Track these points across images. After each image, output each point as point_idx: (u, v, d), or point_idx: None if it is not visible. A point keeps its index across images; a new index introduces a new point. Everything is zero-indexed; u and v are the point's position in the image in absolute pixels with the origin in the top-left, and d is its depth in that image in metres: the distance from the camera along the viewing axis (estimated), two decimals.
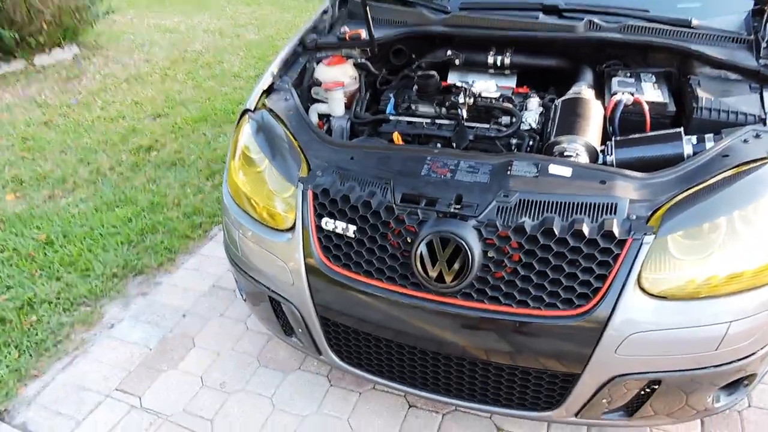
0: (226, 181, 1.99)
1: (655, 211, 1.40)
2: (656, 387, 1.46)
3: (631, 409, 1.55)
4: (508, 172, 1.52)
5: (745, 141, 1.51)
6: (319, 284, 1.65)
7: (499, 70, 2.19)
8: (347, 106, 2.14)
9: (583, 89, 1.83)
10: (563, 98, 1.79)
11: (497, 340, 1.49)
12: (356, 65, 2.24)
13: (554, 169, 1.51)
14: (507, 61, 2.15)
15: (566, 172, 1.51)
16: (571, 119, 1.70)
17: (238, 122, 2.01)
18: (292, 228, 1.69)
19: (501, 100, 1.93)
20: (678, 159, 1.59)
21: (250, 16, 7.42)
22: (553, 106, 1.81)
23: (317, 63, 2.26)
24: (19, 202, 3.27)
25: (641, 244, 1.35)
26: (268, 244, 1.74)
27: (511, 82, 2.18)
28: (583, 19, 2.03)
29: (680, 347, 1.39)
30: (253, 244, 1.78)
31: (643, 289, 1.37)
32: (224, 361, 2.21)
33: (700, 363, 1.41)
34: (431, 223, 1.47)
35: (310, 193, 1.64)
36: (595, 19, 2.02)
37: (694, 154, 1.58)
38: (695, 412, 1.57)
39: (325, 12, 2.48)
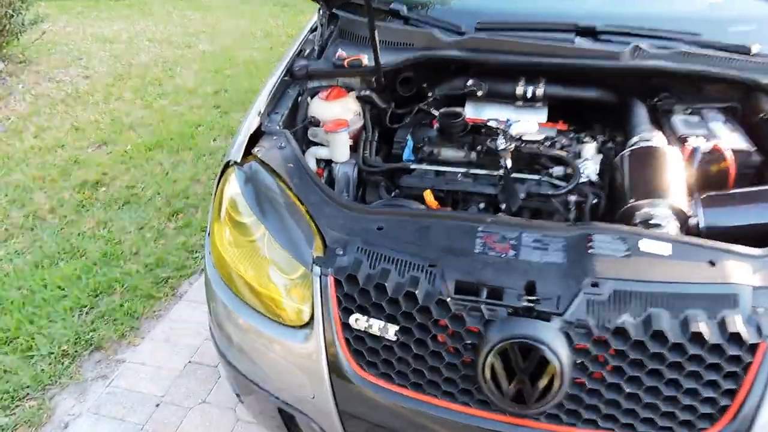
0: (208, 250, 1.58)
1: None
2: None
3: None
4: (590, 250, 1.19)
5: None
6: (349, 398, 1.28)
7: (529, 103, 1.87)
8: (352, 149, 1.77)
9: (654, 134, 1.52)
10: (632, 147, 1.48)
11: None
12: (360, 98, 1.86)
13: (648, 245, 1.20)
14: (539, 92, 1.82)
15: (664, 249, 1.19)
16: (649, 176, 1.38)
17: (220, 177, 1.60)
18: (308, 324, 1.31)
19: (550, 144, 1.60)
20: None
21: (200, 23, 6.86)
22: (620, 158, 1.49)
23: (312, 97, 1.87)
24: None
25: None
26: (276, 345, 1.35)
27: (542, 116, 1.87)
28: (628, 43, 1.73)
29: None
30: (254, 342, 1.38)
31: None
32: None
33: None
34: (502, 324, 1.13)
35: (331, 280, 1.27)
36: (642, 45, 1.72)
37: None
38: None
39: (313, 30, 2.09)
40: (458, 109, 1.70)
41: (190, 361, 2.16)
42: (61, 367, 2.14)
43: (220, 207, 1.56)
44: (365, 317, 1.23)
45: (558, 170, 1.55)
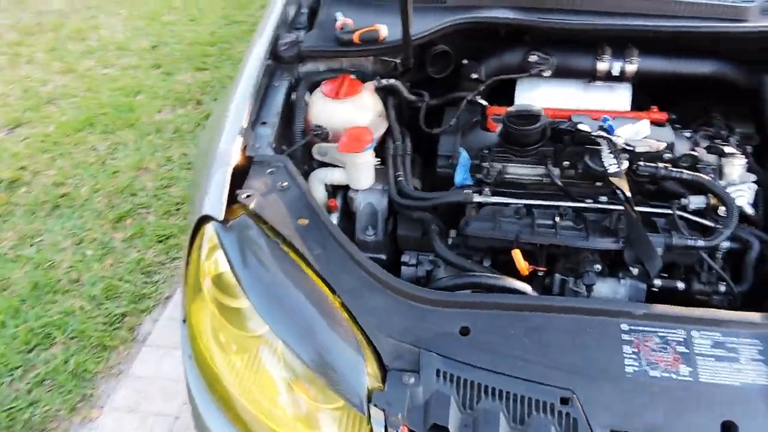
0: (187, 343, 1.05)
1: None
2: None
3: None
4: None
5: None
6: None
7: (611, 81, 1.35)
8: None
9: None
10: None
11: None
12: (380, 90, 1.30)
13: None
14: (631, 68, 1.30)
15: None
16: None
17: (192, 238, 1.04)
18: None
19: (680, 160, 1.10)
20: None
21: None
22: None
23: (311, 91, 1.30)
24: None
25: None
26: None
27: (625, 99, 1.36)
28: None
29: None
30: None
31: None
32: None
33: None
34: None
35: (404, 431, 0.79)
36: None
37: None
38: None
39: None
40: (534, 108, 1.17)
41: None
42: None
43: (197, 284, 1.02)
44: None
45: (696, 201, 1.07)
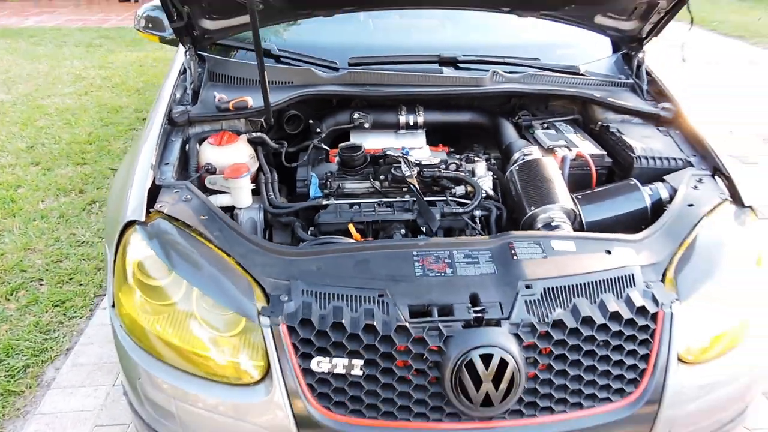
0: (119, 324, 1.41)
1: (663, 274, 1.37)
2: None
3: None
4: (515, 257, 1.34)
5: (695, 187, 1.59)
6: None
7: (410, 130, 2.01)
8: (253, 192, 1.72)
9: (532, 148, 1.75)
10: (521, 161, 1.68)
11: None
12: (251, 141, 1.83)
13: (559, 245, 1.39)
14: (420, 120, 1.98)
15: (571, 246, 1.39)
16: (539, 185, 1.59)
17: (119, 241, 1.44)
18: (262, 379, 1.26)
19: (445, 166, 1.74)
20: (642, 213, 1.60)
21: None
22: (510, 173, 1.68)
23: (200, 143, 1.79)
24: None
25: (671, 314, 1.29)
26: (232, 410, 1.27)
27: (421, 141, 2.02)
28: (487, 71, 1.97)
29: (720, 407, 1.38)
30: (206, 412, 1.28)
31: (681, 359, 1.31)
32: None
33: (736, 416, 1.42)
34: (460, 338, 1.21)
35: (283, 329, 1.24)
36: (499, 71, 1.97)
37: (652, 204, 1.61)
38: None
39: (182, 74, 1.99)
40: (357, 143, 1.77)
41: None
42: None
43: (124, 273, 1.41)
44: (327, 358, 1.23)
45: (459, 189, 1.70)
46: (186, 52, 1.97)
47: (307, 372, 1.23)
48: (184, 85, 1.96)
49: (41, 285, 2.69)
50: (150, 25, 2.69)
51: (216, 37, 2.02)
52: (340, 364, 1.22)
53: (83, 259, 2.86)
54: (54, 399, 2.08)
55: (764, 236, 1.52)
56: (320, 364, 1.22)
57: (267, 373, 1.26)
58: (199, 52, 2.02)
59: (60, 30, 7.74)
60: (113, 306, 1.44)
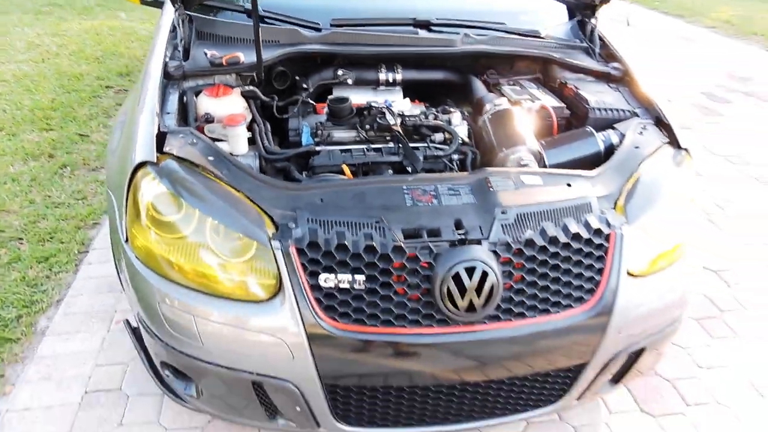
0: (133, 256, 1.54)
1: (614, 203, 1.61)
2: (642, 353, 1.69)
3: (617, 377, 1.76)
4: (491, 189, 1.55)
5: (641, 133, 1.84)
6: (327, 351, 1.43)
7: (389, 86, 2.18)
8: (249, 141, 1.86)
9: (502, 100, 1.95)
10: (493, 111, 1.89)
11: (527, 353, 1.52)
12: (244, 94, 1.95)
13: (528, 179, 1.60)
14: (398, 77, 2.15)
15: (538, 180, 1.61)
16: (509, 130, 1.80)
17: (131, 181, 1.56)
18: (275, 296, 1.42)
19: (428, 117, 1.92)
20: (596, 155, 1.84)
21: None
22: (483, 120, 1.89)
23: (196, 95, 1.90)
24: None
25: (621, 234, 1.54)
26: (249, 323, 1.43)
27: (399, 97, 2.19)
28: (458, 33, 2.16)
29: (660, 314, 1.64)
30: (225, 327, 1.44)
31: (629, 273, 1.56)
32: None
33: (672, 322, 1.69)
34: (447, 255, 1.41)
35: (293, 251, 1.40)
36: (469, 33, 2.17)
37: (605, 148, 1.85)
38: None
39: (172, 31, 2.09)
40: (344, 95, 1.92)
41: (86, 392, 1.98)
42: None
43: (136, 211, 1.53)
44: (333, 275, 1.40)
45: (438, 136, 1.89)
46: (176, 11, 2.06)
47: (315, 288, 1.40)
48: (174, 43, 2.05)
49: (21, 244, 2.73)
50: None
51: None
52: (344, 280, 1.40)
53: (62, 220, 2.91)
54: (51, 344, 2.17)
55: (696, 183, 1.78)
56: (327, 281, 1.40)
57: (278, 291, 1.42)
58: (186, 12, 2.11)
59: None
60: (127, 241, 1.56)
